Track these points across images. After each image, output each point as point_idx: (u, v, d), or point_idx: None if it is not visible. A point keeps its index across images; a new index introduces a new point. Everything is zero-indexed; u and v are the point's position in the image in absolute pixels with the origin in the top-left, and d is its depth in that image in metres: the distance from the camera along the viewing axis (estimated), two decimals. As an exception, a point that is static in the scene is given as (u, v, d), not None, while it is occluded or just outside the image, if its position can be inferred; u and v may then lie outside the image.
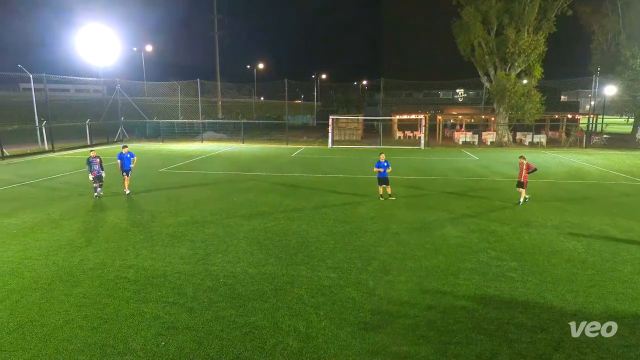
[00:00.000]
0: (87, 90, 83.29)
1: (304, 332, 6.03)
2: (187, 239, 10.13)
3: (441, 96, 59.91)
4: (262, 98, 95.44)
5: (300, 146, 34.09)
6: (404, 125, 42.28)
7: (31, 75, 29.47)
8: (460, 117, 45.05)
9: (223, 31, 53.26)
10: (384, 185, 14.32)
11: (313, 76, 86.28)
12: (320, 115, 56.93)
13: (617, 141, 37.41)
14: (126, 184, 15.16)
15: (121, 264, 8.53)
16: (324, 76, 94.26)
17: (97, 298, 7.02)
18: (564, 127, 37.99)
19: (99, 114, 36.94)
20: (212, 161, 25.01)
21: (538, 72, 33.43)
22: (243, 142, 36.22)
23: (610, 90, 38.23)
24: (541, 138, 35.84)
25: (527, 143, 36.44)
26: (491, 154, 29.34)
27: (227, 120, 46.55)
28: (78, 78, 41.28)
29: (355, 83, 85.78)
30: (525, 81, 34.27)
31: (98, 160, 14.43)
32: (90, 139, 32.90)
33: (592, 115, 37.98)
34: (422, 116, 35.92)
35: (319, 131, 46.55)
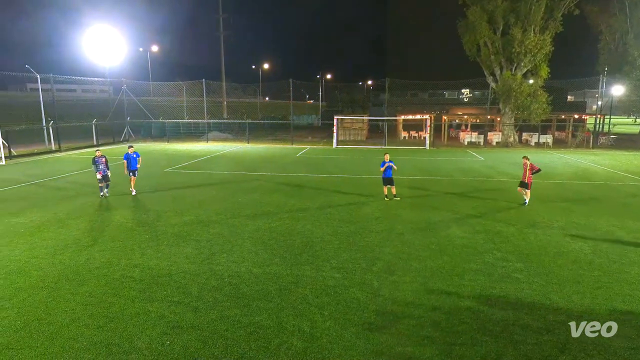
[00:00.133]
0: (93, 91, 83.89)
1: (308, 332, 6.03)
2: (192, 238, 10.17)
3: (446, 96, 59.66)
4: (267, 98, 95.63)
5: (305, 146, 34.11)
6: (409, 126, 42.16)
7: (38, 76, 29.74)
8: (465, 117, 44.86)
9: (228, 31, 53.41)
10: (389, 186, 14.29)
11: (318, 76, 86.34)
12: (325, 115, 56.89)
13: (625, 142, 37.10)
14: (132, 184, 15.21)
15: (127, 263, 8.58)
16: (329, 76, 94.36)
17: (102, 297, 7.06)
18: (571, 128, 37.72)
19: (105, 114, 37.20)
20: (217, 161, 25.09)
21: (544, 72, 33.21)
22: (248, 142, 36.30)
23: (618, 90, 37.94)
24: (547, 138, 35.61)
25: (533, 143, 36.21)
26: (497, 155, 29.19)
27: (232, 120, 46.67)
28: (85, 78, 41.62)
29: (360, 83, 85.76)
30: (531, 81, 34.06)
31: (104, 159, 14.48)
32: (97, 139, 33.12)
33: (599, 116, 37.67)
34: (427, 116, 35.82)
35: (324, 131, 46.53)
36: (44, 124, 30.68)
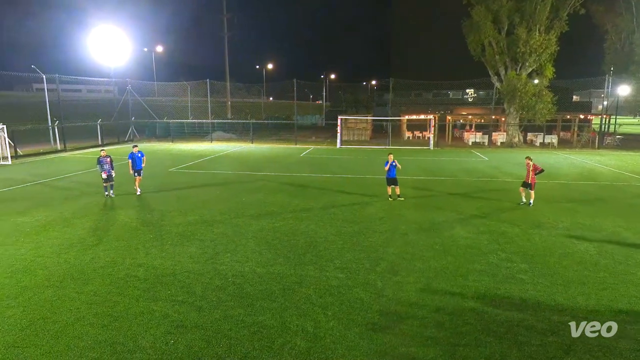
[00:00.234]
0: (98, 91, 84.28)
1: (311, 332, 6.03)
2: (196, 238, 10.20)
3: (451, 96, 59.51)
4: (271, 98, 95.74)
5: (309, 146, 34.12)
6: (413, 126, 42.08)
7: (44, 76, 29.95)
8: (470, 117, 44.69)
9: (233, 31, 53.52)
10: (393, 186, 14.27)
11: (322, 76, 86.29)
12: (329, 115, 56.96)
13: (631, 142, 36.81)
14: (137, 183, 15.27)
15: (131, 262, 8.62)
16: (332, 76, 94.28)
17: (107, 296, 7.10)
18: (576, 128, 37.51)
19: (110, 114, 37.39)
20: (221, 161, 25.15)
21: (549, 71, 33.03)
22: (252, 142, 36.36)
23: (624, 90, 37.68)
24: (552, 139, 35.41)
25: (538, 144, 36.03)
26: (501, 155, 29.07)
27: (236, 120, 46.78)
28: (90, 78, 41.91)
29: (364, 83, 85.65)
30: (536, 81, 33.89)
31: (108, 159, 14.53)
32: (102, 139, 33.32)
33: (604, 116, 37.42)
34: (431, 116, 35.73)
35: (328, 131, 46.55)
36: (50, 124, 30.89)
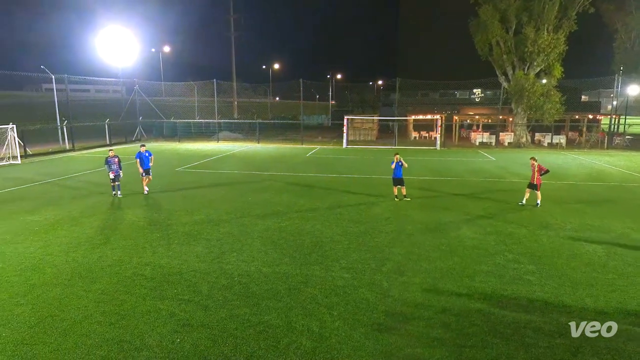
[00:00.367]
0: (106, 91, 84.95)
1: (317, 332, 6.03)
2: (202, 237, 10.25)
3: (458, 96, 59.24)
4: (277, 98, 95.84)
5: (315, 146, 34.13)
6: (419, 126, 41.95)
7: (53, 76, 30.26)
8: (477, 117, 44.46)
9: (239, 31, 53.68)
10: (399, 186, 14.23)
11: (328, 76, 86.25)
12: (335, 115, 56.91)
13: (641, 142, 36.32)
14: (145, 183, 15.34)
15: (138, 261, 8.68)
16: (339, 76, 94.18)
17: (115, 294, 7.16)
18: (585, 128, 37.14)
19: (117, 113, 37.67)
20: (228, 161, 25.25)
21: (558, 71, 32.73)
22: (258, 142, 36.45)
23: (634, 90, 37.21)
24: (560, 139, 35.10)
25: (545, 144, 35.74)
26: (509, 155, 28.86)
27: (242, 120, 46.94)
28: (98, 79, 42.22)
29: (371, 83, 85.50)
30: (544, 81, 33.60)
31: (116, 159, 14.62)
32: (110, 138, 33.59)
33: (614, 116, 37.00)
34: (438, 116, 35.58)
35: (334, 131, 46.50)
36: (59, 124, 31.21)
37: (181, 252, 9.23)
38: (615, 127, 36.99)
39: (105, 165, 14.66)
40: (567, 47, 32.10)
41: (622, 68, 38.94)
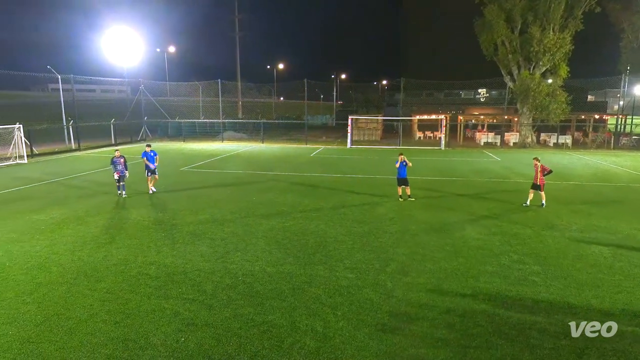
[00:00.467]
0: (112, 91, 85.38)
1: (321, 332, 6.03)
2: (207, 237, 10.28)
3: (462, 96, 58.96)
4: (281, 98, 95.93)
5: (320, 146, 34.13)
6: (424, 126, 41.79)
7: (59, 76, 30.45)
8: (482, 117, 44.24)
9: (244, 31, 53.76)
10: (403, 186, 14.21)
11: (333, 76, 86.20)
12: (340, 115, 56.85)
13: (648, 142, 35.97)
14: (151, 183, 15.40)
15: (143, 260, 8.72)
16: (343, 76, 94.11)
17: (119, 293, 7.20)
18: (591, 128, 36.87)
19: (123, 113, 37.86)
20: (232, 160, 25.30)
21: (564, 71, 32.49)
22: (263, 142, 36.50)
23: (641, 89, 36.80)
24: (566, 139, 34.87)
25: (551, 144, 35.51)
26: (514, 155, 28.72)
27: (247, 120, 46.98)
28: (104, 79, 42.48)
29: (375, 83, 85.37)
30: (550, 80, 33.37)
31: (122, 160, 14.71)
32: (115, 138, 33.77)
33: (620, 116, 36.68)
34: (442, 116, 35.46)
35: (338, 131, 46.49)
36: (65, 124, 31.41)
37: (186, 251, 9.27)
38: (622, 127, 36.67)
39: (111, 166, 14.74)
40: (573, 47, 31.86)
41: (628, 68, 38.59)
